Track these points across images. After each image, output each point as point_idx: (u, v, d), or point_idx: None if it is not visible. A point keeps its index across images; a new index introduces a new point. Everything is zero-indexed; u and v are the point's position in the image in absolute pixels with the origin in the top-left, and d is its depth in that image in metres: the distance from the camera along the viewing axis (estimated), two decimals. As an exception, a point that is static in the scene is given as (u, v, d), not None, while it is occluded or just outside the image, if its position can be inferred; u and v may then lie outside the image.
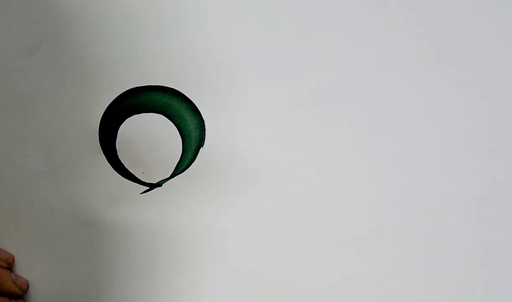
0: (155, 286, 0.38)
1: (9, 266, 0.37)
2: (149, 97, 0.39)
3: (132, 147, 0.39)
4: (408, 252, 0.38)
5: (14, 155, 0.38)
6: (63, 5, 0.40)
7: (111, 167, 0.38)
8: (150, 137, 0.39)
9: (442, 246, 0.38)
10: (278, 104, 0.38)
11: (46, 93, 0.39)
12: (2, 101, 0.39)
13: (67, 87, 0.39)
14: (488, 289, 0.38)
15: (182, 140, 0.39)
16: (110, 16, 0.39)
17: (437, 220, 0.38)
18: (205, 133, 0.38)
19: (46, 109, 0.39)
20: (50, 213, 0.38)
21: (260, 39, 0.39)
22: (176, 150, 0.38)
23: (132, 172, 0.38)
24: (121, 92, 0.39)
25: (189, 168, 0.38)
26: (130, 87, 0.39)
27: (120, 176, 0.38)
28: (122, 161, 0.38)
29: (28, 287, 0.37)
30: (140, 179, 0.38)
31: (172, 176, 0.38)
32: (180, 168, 0.38)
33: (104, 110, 0.38)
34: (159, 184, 0.38)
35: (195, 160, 0.38)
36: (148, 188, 0.38)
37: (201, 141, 0.38)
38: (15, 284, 0.36)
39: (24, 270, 0.38)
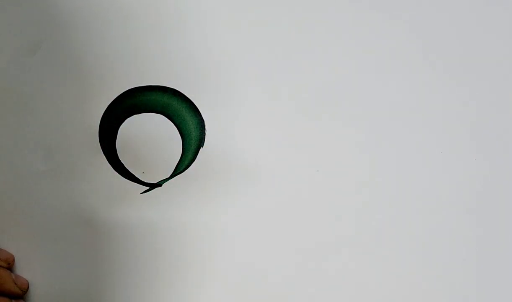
0: (155, 286, 0.38)
1: (9, 266, 0.37)
2: (149, 97, 0.39)
3: (132, 147, 0.39)
4: (408, 251, 0.38)
5: (14, 155, 0.38)
6: (63, 5, 0.39)
7: (111, 167, 0.38)
8: (150, 137, 0.39)
9: (442, 246, 0.38)
10: (278, 104, 0.38)
11: (46, 93, 0.39)
12: (2, 101, 0.39)
13: (67, 87, 0.39)
14: (488, 289, 0.38)
15: (182, 140, 0.39)
16: (110, 16, 0.39)
17: (437, 219, 0.38)
18: (205, 133, 0.38)
19: (46, 109, 0.39)
20: (50, 213, 0.38)
21: (260, 39, 0.39)
22: (176, 150, 0.38)
23: (132, 172, 0.38)
24: (121, 92, 0.39)
25: (189, 168, 0.38)
26: (130, 87, 0.39)
27: (120, 176, 0.38)
28: (122, 161, 0.38)
29: (28, 287, 0.37)
30: (140, 179, 0.38)
31: (172, 176, 0.38)
32: (180, 168, 0.38)
33: (104, 110, 0.38)
34: (159, 184, 0.38)
35: (195, 160, 0.38)
36: (148, 188, 0.38)
37: (201, 141, 0.38)
38: (16, 284, 0.36)
39: (24, 270, 0.38)
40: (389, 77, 0.38)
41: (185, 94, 0.39)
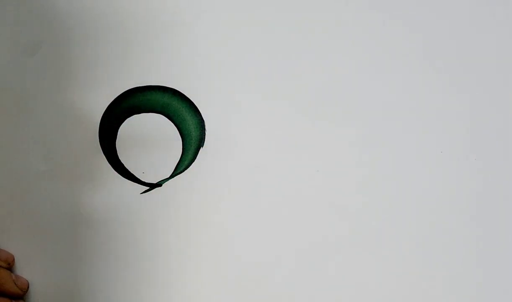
0: (155, 285, 0.38)
1: (9, 266, 0.37)
2: (149, 97, 0.39)
3: (132, 147, 0.39)
4: (408, 251, 0.38)
5: (14, 155, 0.38)
6: (63, 5, 0.39)
7: (111, 167, 0.38)
8: (150, 137, 0.39)
9: (442, 246, 0.38)
10: (278, 104, 0.38)
11: (46, 93, 0.39)
12: (2, 101, 0.39)
13: (67, 87, 0.39)
14: (488, 288, 0.38)
15: (182, 141, 0.39)
16: (110, 17, 0.39)
17: (437, 219, 0.38)
18: (205, 133, 0.38)
19: (46, 109, 0.39)
20: (50, 213, 0.38)
21: (260, 40, 0.39)
22: (176, 150, 0.38)
23: (132, 172, 0.38)
24: (121, 92, 0.39)
25: (189, 168, 0.38)
26: (130, 87, 0.39)
27: (120, 176, 0.38)
28: (122, 161, 0.38)
29: (28, 287, 0.37)
30: (140, 179, 0.38)
31: (172, 176, 0.38)
32: (180, 168, 0.38)
33: (104, 110, 0.38)
34: (159, 184, 0.38)
35: (195, 160, 0.38)
36: (148, 188, 0.38)
37: (201, 142, 0.38)
38: (16, 284, 0.36)
39: (24, 270, 0.38)
40: (389, 78, 0.38)
41: (185, 94, 0.39)
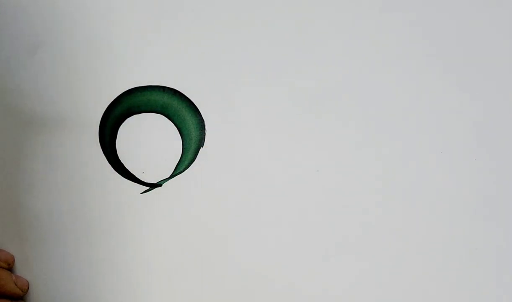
0: (155, 285, 0.38)
1: (10, 266, 0.37)
2: (149, 97, 0.39)
3: (132, 147, 0.39)
4: (408, 251, 0.38)
5: (14, 155, 0.38)
6: (63, 5, 0.39)
7: (111, 167, 0.38)
8: (150, 137, 0.39)
9: (442, 246, 0.38)
10: (278, 104, 0.38)
11: (45, 93, 0.39)
12: (2, 101, 0.39)
13: (67, 87, 0.39)
14: (488, 288, 0.38)
15: (182, 141, 0.39)
16: (110, 16, 0.39)
17: (437, 219, 0.38)
18: (205, 133, 0.38)
19: (46, 109, 0.39)
20: (50, 213, 0.38)
21: (259, 39, 0.39)
22: (176, 150, 0.38)
23: (132, 172, 0.38)
24: (121, 92, 0.39)
25: (189, 168, 0.38)
26: (130, 87, 0.39)
27: (120, 176, 0.38)
28: (122, 161, 0.38)
29: (28, 288, 0.37)
30: (140, 179, 0.38)
31: (172, 176, 0.38)
32: (180, 168, 0.38)
33: (104, 110, 0.38)
34: (159, 184, 0.38)
35: (195, 160, 0.38)
36: (148, 188, 0.38)
37: (201, 142, 0.38)
38: (16, 284, 0.36)
39: (24, 270, 0.38)
40: (389, 77, 0.38)
41: (185, 94, 0.39)
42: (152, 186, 0.38)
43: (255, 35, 0.39)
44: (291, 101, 0.38)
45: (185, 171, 0.38)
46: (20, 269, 0.38)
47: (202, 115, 0.38)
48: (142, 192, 0.38)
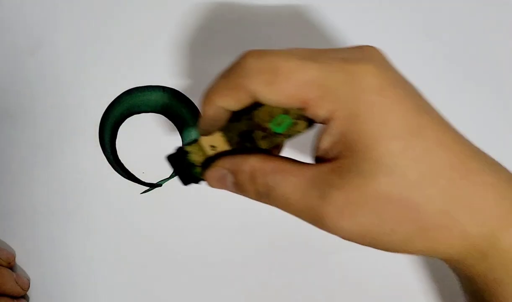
0: (155, 285, 0.38)
1: (10, 265, 0.37)
2: (149, 97, 0.39)
3: (132, 147, 0.39)
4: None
5: (14, 155, 0.38)
6: (63, 5, 0.39)
7: (111, 167, 0.38)
8: (150, 137, 0.39)
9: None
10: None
11: (46, 93, 0.39)
12: (2, 102, 0.39)
13: (67, 87, 0.39)
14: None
15: (182, 141, 0.39)
16: (110, 17, 0.39)
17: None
18: (205, 133, 0.38)
19: (46, 109, 0.39)
20: (50, 213, 0.38)
21: (260, 40, 0.38)
22: (176, 150, 0.38)
23: (132, 172, 0.38)
24: (121, 92, 0.39)
25: (189, 168, 0.38)
26: (130, 87, 0.39)
27: (120, 176, 0.38)
28: (122, 161, 0.38)
29: (29, 286, 0.37)
30: (140, 179, 0.38)
31: (172, 176, 0.38)
32: (180, 168, 0.38)
33: (104, 110, 0.39)
34: (159, 184, 0.38)
35: (195, 160, 0.38)
36: (148, 188, 0.38)
37: (201, 142, 0.38)
38: (17, 283, 0.36)
39: (25, 269, 0.38)
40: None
41: (185, 94, 0.39)
42: (152, 186, 0.38)
43: (255, 35, 0.39)
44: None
45: (185, 171, 0.38)
46: (21, 268, 0.38)
47: (202, 115, 0.38)
48: (142, 192, 0.38)
